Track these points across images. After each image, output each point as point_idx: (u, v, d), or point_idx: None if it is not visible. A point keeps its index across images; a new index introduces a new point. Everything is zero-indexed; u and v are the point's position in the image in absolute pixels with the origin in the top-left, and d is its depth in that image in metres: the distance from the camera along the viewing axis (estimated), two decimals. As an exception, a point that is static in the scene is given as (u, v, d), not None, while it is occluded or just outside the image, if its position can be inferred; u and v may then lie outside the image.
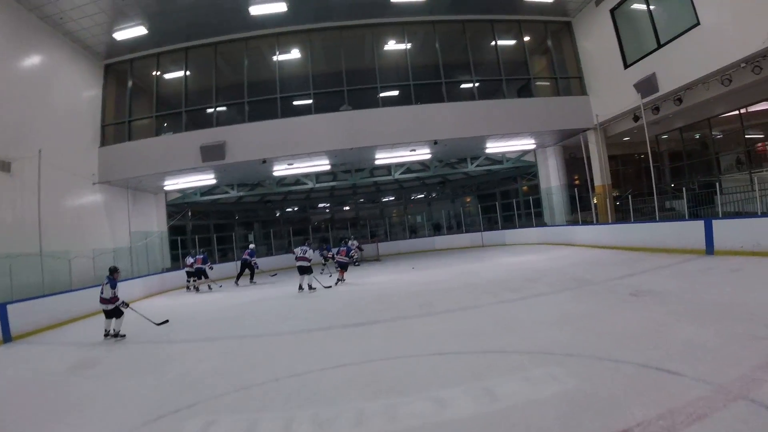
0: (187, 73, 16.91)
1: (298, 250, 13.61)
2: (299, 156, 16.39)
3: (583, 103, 17.57)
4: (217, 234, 24.42)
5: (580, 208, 18.25)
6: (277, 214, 30.30)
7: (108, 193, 17.03)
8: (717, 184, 14.47)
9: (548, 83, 18.09)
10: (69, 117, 15.12)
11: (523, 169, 23.16)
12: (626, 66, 15.72)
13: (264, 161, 16.08)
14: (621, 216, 17.22)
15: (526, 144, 19.20)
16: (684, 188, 14.56)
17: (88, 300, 12.09)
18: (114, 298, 8.95)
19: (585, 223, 17.86)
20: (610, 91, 16.45)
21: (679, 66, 13.35)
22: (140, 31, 15.12)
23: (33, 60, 13.83)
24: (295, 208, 30.98)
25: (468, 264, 15.78)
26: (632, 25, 15.53)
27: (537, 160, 21.67)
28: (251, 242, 19.58)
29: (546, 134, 17.98)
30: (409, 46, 17.16)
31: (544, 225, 20.73)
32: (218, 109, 16.78)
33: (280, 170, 18.27)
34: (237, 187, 21.41)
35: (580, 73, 17.79)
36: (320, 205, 31.51)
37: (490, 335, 6.29)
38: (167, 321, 10.08)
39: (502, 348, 5.71)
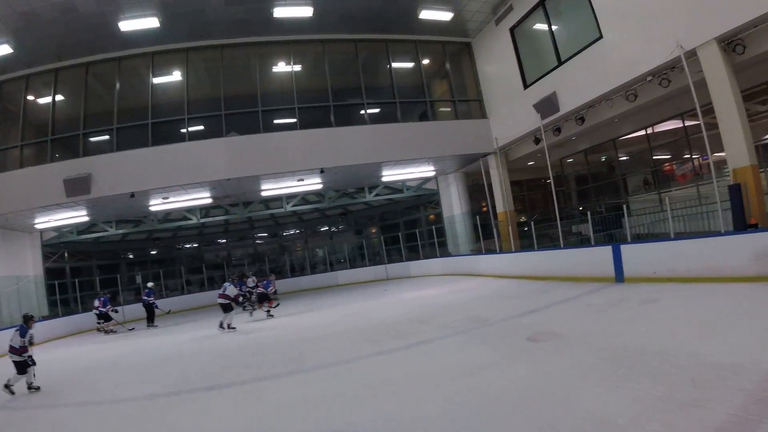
0: (57, 97, 15.71)
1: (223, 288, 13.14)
2: (174, 188, 15.23)
3: (482, 126, 17.27)
4: (101, 276, 22.41)
5: (483, 237, 17.70)
6: (151, 251, 28.63)
7: None
8: (624, 206, 14.03)
9: (449, 108, 17.79)
10: None
11: (426, 198, 22.77)
12: (526, 86, 15.41)
13: (132, 195, 14.79)
14: (527, 243, 16.61)
15: (426, 171, 18.78)
16: (589, 212, 14.26)
17: None
18: (23, 349, 8.16)
19: (489, 252, 17.37)
20: (511, 113, 16.10)
21: (580, 83, 13.14)
22: (5, 50, 14.03)
23: None
24: (186, 246, 29.68)
25: (365, 302, 15.02)
26: (533, 44, 15.35)
27: (439, 187, 21.29)
28: (149, 282, 18.20)
29: (446, 160, 17.55)
30: (297, 67, 16.58)
31: (449, 255, 20.18)
32: (91, 137, 15.75)
33: (156, 205, 16.97)
34: (117, 224, 19.99)
35: (480, 96, 17.54)
36: (219, 241, 30.22)
37: (347, 404, 5.32)
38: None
39: (351, 425, 4.62)
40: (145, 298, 16.61)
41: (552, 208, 14.27)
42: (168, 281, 23.50)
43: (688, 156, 14.57)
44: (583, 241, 14.72)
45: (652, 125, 14.96)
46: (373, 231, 27.80)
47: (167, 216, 20.28)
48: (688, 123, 13.81)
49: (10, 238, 17.22)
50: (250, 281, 16.95)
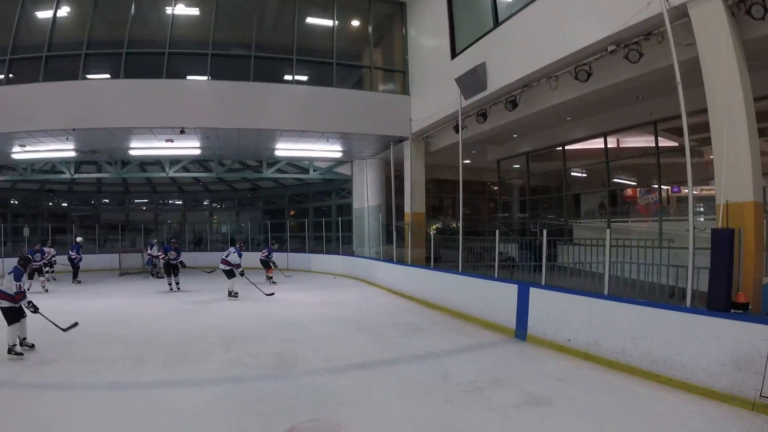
0: None
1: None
2: (28, 134, 12.26)
3: (402, 105, 13.32)
4: None
5: (396, 240, 13.31)
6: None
7: None
8: (565, 230, 8.61)
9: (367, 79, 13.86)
10: None
11: (338, 184, 19.14)
12: (454, 55, 11.41)
13: None
14: (440, 255, 13.12)
15: (332, 151, 14.88)
16: (508, 231, 9.95)
17: None
18: (19, 295, 6.45)
19: (387, 259, 13.65)
20: (435, 91, 12.16)
21: (516, 52, 9.15)
22: None
23: None
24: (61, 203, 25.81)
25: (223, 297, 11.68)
26: (471, 5, 11.51)
27: (353, 173, 17.08)
28: (78, 237, 16.25)
29: (354, 140, 13.83)
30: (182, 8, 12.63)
31: (352, 254, 16.39)
32: None
33: (17, 153, 14.10)
34: None
35: (406, 68, 13.48)
36: (105, 201, 26.39)
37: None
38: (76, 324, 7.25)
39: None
40: (72, 253, 15.10)
41: (487, 219, 9.41)
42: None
43: (657, 184, 10.71)
44: (507, 267, 10.66)
45: (613, 133, 11.22)
46: (292, 213, 23.71)
47: (39, 166, 17.30)
48: (662, 142, 10.05)
49: None
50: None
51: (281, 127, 12.46)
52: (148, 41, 12.43)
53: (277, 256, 16.31)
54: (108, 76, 12.18)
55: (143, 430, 4.10)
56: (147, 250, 16.21)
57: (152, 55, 12.19)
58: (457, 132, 10.79)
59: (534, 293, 7.22)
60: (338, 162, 16.99)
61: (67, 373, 5.60)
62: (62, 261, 14.99)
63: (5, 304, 6.42)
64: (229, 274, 11.46)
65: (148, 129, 12.18)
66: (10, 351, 6.28)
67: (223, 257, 11.64)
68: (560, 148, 12.97)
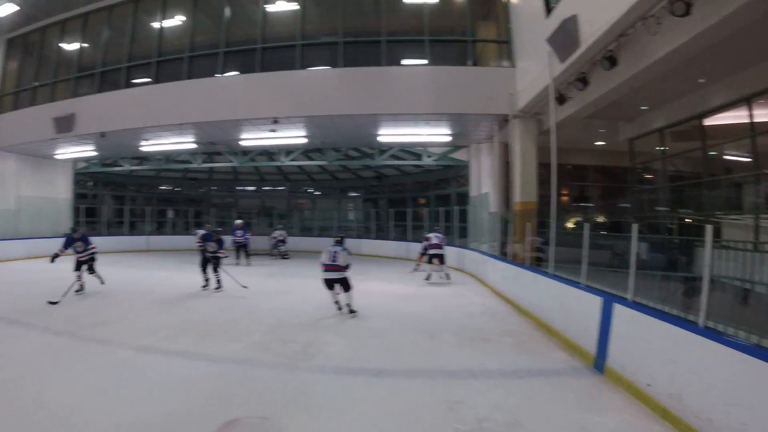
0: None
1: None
2: (149, 130, 13.66)
3: (505, 78, 11.40)
4: (131, 207, 23.29)
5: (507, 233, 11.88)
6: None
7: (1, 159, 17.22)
8: (710, 229, 6.28)
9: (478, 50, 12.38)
10: None
11: (456, 171, 17.41)
12: (548, 13, 9.30)
13: (103, 135, 13.92)
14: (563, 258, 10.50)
15: (438, 135, 13.54)
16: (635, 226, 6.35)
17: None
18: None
19: (493, 254, 11.87)
20: (534, 57, 10.17)
21: None
22: (10, 7, 14.40)
23: None
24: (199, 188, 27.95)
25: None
26: None
27: (470, 158, 15.30)
28: (238, 219, 17.05)
29: (461, 121, 12.25)
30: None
31: (465, 246, 14.84)
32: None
33: (145, 146, 16.06)
34: (130, 161, 19.53)
35: (508, 36, 11.62)
36: (243, 189, 27.85)
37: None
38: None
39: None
40: (236, 238, 15.55)
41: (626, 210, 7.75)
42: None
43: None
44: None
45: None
46: (422, 201, 22.28)
47: (171, 157, 19.17)
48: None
49: (45, 165, 18.64)
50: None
51: (377, 111, 11.69)
52: (245, 39, 12.76)
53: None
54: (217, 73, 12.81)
55: (127, 387, 4.59)
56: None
57: (250, 51, 12.42)
58: (560, 103, 8.67)
59: (618, 311, 5.14)
60: (453, 147, 15.71)
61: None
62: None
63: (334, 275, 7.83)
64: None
65: (247, 121, 12.57)
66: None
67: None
68: (698, 121, 9.92)
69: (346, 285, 8.05)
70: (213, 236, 10.59)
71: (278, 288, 11.04)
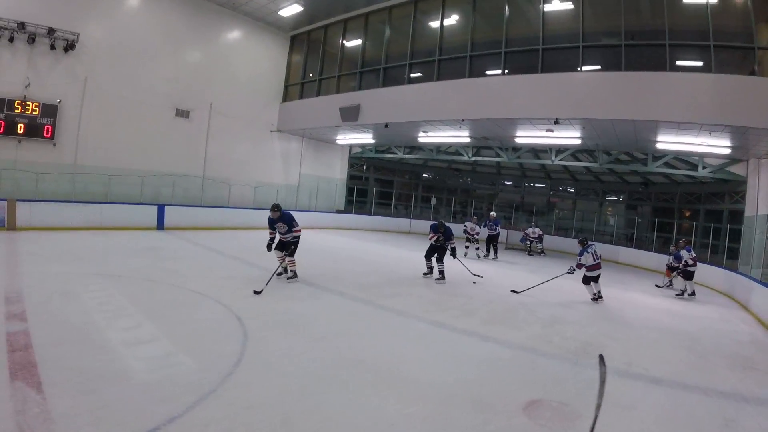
0: (357, 39, 18.65)
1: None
2: (430, 123, 16.21)
3: None
4: (397, 191, 27.17)
5: None
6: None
7: (285, 140, 21.46)
8: None
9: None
10: (250, 80, 19.77)
11: (733, 186, 16.90)
12: None
13: (386, 125, 16.77)
14: None
15: (717, 146, 13.52)
16: None
17: (235, 216, 18.45)
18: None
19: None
20: None
21: None
22: (296, 8, 18.18)
23: (216, 38, 18.75)
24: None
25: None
26: None
27: (747, 174, 15.08)
28: (492, 212, 19.14)
29: (745, 134, 12.30)
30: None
31: (735, 269, 14.34)
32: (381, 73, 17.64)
33: (422, 137, 18.78)
34: (402, 149, 22.66)
35: None
36: (506, 183, 29.70)
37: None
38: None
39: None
40: (489, 230, 17.42)
41: None
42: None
43: None
44: None
45: None
46: (687, 214, 21.67)
47: (442, 148, 21.92)
48: None
49: (324, 148, 23.07)
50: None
51: (657, 118, 12.27)
52: (522, 39, 14.11)
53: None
54: (496, 72, 14.36)
55: (437, 356, 5.99)
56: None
57: (528, 52, 13.82)
58: None
59: None
60: (730, 160, 15.27)
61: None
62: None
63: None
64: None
65: (527, 119, 13.91)
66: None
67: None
68: None
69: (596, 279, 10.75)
70: (439, 227, 11.30)
71: (545, 285, 11.45)
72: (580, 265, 10.55)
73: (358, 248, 16.54)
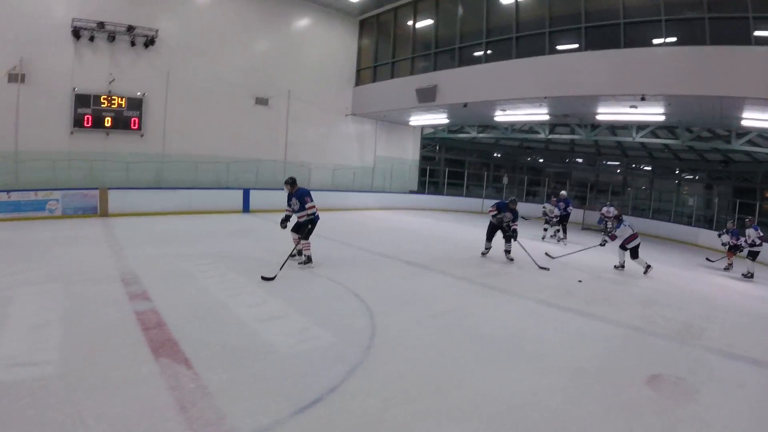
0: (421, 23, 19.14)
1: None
2: (510, 101, 16.31)
3: None
4: (469, 171, 27.26)
5: None
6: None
7: (359, 123, 22.07)
8: None
9: None
10: (322, 65, 20.37)
11: None
12: None
13: (465, 105, 16.91)
14: None
15: None
16: None
17: (316, 198, 19.70)
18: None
19: None
20: None
21: None
22: None
23: (287, 27, 19.40)
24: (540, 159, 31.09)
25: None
26: None
27: None
28: (563, 191, 17.93)
29: None
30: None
31: None
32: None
33: (498, 116, 18.87)
34: (475, 128, 23.25)
35: None
36: (578, 160, 29.56)
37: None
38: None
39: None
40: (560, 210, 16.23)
41: None
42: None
43: None
44: None
45: None
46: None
47: (515, 126, 22.35)
48: None
49: (397, 130, 23.48)
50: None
51: (744, 94, 12.04)
52: (603, 12, 13.89)
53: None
54: (574, 46, 14.29)
55: (553, 333, 6.23)
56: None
57: (609, 27, 13.69)
58: None
59: None
60: None
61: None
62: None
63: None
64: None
65: (610, 96, 13.82)
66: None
67: None
68: None
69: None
70: (509, 206, 11.10)
71: (632, 267, 11.59)
72: (614, 237, 11.21)
73: (438, 228, 16.87)
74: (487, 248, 11.61)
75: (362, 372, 4.58)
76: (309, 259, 9.00)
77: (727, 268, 13.40)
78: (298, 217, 8.99)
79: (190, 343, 4.92)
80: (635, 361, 5.53)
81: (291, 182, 9.02)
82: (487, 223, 11.58)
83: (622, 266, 11.46)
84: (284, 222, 8.91)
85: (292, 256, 8.80)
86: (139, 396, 3.83)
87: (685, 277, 11.69)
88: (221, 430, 3.46)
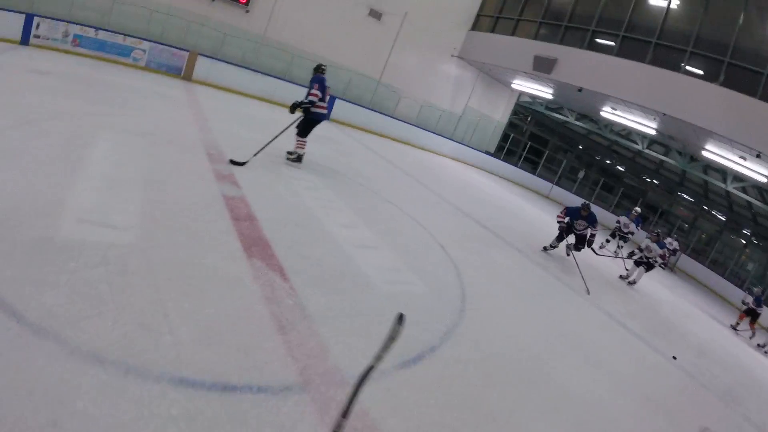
0: None
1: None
2: (622, 103, 15.99)
3: None
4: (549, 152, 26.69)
5: None
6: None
7: (462, 68, 21.43)
8: None
9: None
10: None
11: None
12: None
13: (580, 90, 16.47)
14: None
15: None
16: None
17: (398, 129, 19.50)
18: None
19: None
20: None
21: None
22: None
23: None
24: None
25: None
26: None
27: None
28: (636, 208, 16.21)
29: None
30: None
31: None
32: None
33: (606, 112, 18.48)
34: (574, 114, 22.69)
35: None
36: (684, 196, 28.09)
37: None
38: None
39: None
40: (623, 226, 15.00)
41: None
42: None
43: None
44: None
45: None
46: None
47: (612, 127, 21.66)
48: None
49: (495, 87, 22.77)
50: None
51: None
52: (751, 51, 13.13)
53: None
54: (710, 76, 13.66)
55: None
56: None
57: (754, 73, 12.79)
58: None
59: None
60: None
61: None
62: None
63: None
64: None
65: (728, 139, 13.18)
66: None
67: None
68: None
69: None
70: (581, 212, 9.98)
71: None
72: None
73: (509, 201, 16.20)
74: (553, 246, 10.54)
75: (459, 338, 4.50)
76: (298, 159, 8.38)
77: (751, 337, 12.75)
78: (313, 109, 8.22)
79: (283, 250, 4.70)
80: (691, 408, 5.78)
81: (318, 69, 8.27)
82: (554, 211, 11.50)
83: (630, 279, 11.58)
84: (293, 107, 8.09)
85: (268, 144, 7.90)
86: (232, 298, 3.59)
87: (728, 336, 11.80)
88: (325, 367, 3.21)
